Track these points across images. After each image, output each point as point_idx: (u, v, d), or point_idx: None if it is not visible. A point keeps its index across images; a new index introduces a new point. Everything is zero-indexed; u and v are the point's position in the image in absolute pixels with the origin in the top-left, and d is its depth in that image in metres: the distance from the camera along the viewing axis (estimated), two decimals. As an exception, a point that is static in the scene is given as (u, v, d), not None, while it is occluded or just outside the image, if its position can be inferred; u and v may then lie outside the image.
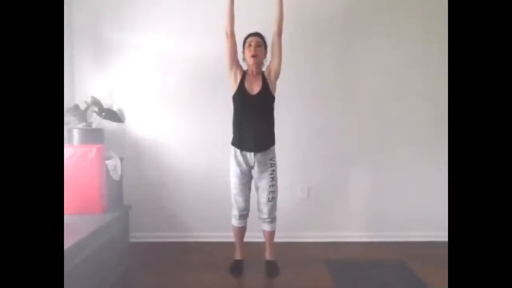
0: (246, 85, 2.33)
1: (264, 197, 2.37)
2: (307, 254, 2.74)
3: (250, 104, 2.32)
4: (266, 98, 2.34)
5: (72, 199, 2.23)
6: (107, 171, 2.49)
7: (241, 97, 2.32)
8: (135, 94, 2.97)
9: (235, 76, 2.35)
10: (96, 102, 2.70)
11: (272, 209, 2.39)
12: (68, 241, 1.74)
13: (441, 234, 2.87)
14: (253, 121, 2.32)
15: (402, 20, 2.97)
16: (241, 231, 2.48)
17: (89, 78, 2.95)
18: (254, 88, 2.33)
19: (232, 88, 2.36)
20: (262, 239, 2.51)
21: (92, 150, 2.32)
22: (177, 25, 2.92)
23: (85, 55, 2.95)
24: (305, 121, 2.99)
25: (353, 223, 3.05)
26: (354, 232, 3.04)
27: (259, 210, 2.42)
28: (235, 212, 2.42)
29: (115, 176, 2.59)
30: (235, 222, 2.45)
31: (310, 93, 2.97)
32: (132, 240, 2.82)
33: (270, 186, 2.36)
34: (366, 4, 2.95)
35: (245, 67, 2.40)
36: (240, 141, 2.35)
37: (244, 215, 2.42)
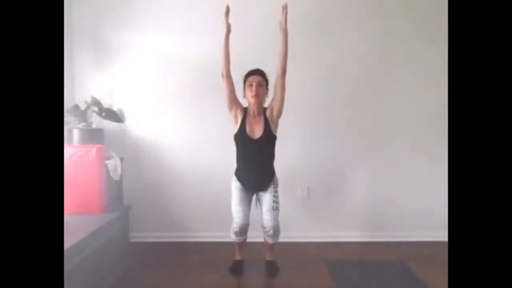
0: (247, 127, 2.30)
1: (266, 206, 2.32)
2: (307, 254, 2.74)
3: (251, 148, 2.30)
4: (268, 141, 2.32)
5: (72, 199, 2.23)
6: (107, 171, 2.49)
7: (242, 140, 2.31)
8: (135, 94, 2.97)
9: (236, 116, 2.32)
10: (96, 102, 2.70)
11: (275, 219, 2.30)
12: (68, 241, 1.74)
13: (441, 234, 2.87)
14: (255, 165, 2.32)
15: (402, 19, 2.97)
16: (242, 244, 2.46)
17: (89, 78, 2.95)
18: (256, 131, 2.30)
19: (233, 127, 2.34)
20: (262, 239, 2.51)
21: (92, 150, 2.33)
22: (177, 25, 2.92)
23: (85, 55, 2.95)
24: (305, 121, 2.99)
25: (353, 223, 3.05)
26: (354, 232, 3.04)
27: (262, 220, 2.33)
28: (234, 227, 2.30)
29: (115, 176, 2.59)
30: (234, 237, 2.37)
31: (310, 93, 2.97)
32: (132, 240, 2.82)
33: (273, 197, 2.34)
34: (367, 4, 2.95)
35: (245, 104, 2.37)
36: (243, 180, 2.36)
37: (244, 230, 2.29)
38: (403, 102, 3.00)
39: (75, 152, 2.32)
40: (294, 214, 2.99)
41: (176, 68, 2.95)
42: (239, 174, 2.38)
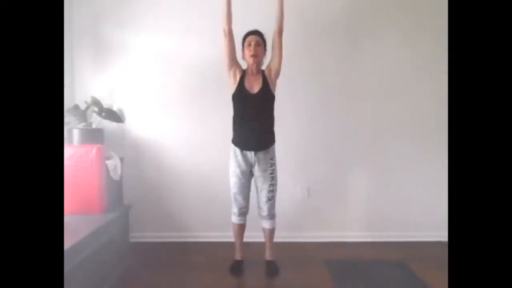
0: (246, 84, 2.32)
1: (263, 196, 2.37)
2: (307, 254, 2.74)
3: (250, 103, 2.31)
4: (266, 97, 2.33)
5: (72, 199, 2.23)
6: (107, 171, 2.49)
7: (240, 96, 2.32)
8: (135, 94, 2.97)
9: (235, 75, 2.34)
10: (96, 102, 2.70)
11: (272, 207, 2.40)
12: (68, 241, 1.74)
13: (441, 234, 2.87)
14: (254, 120, 2.32)
15: (403, 20, 2.97)
16: (241, 228, 2.48)
17: (89, 78, 2.95)
18: (254, 87, 2.32)
19: (232, 87, 2.35)
20: (262, 239, 2.51)
21: (92, 150, 2.32)
22: (177, 25, 2.92)
23: (85, 55, 2.95)
24: (306, 121, 2.99)
25: (353, 223, 3.05)
26: (354, 232, 3.04)
27: (259, 208, 2.43)
28: (234, 209, 2.43)
29: (115, 176, 2.59)
30: (234, 219, 2.46)
31: (311, 93, 2.97)
32: (132, 240, 2.82)
33: (270, 185, 2.36)
34: (368, 3, 2.95)
35: (244, 66, 2.39)
36: (241, 140, 2.35)
37: (243, 212, 2.43)
38: (404, 102, 3.00)
39: (75, 152, 2.32)
40: (294, 214, 2.99)
41: (176, 68, 2.95)
42: (236, 137, 2.37)
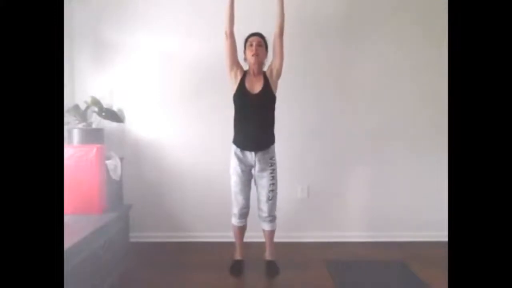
0: (247, 84, 2.33)
1: (264, 195, 2.37)
2: (307, 254, 2.74)
3: (251, 103, 2.31)
4: (267, 97, 2.33)
5: (72, 199, 2.23)
6: (107, 171, 2.49)
7: (241, 96, 2.32)
8: (135, 94, 2.97)
9: (236, 75, 2.35)
10: (96, 102, 2.70)
11: (272, 207, 2.39)
12: (68, 241, 1.74)
13: (441, 234, 2.87)
14: (254, 120, 2.32)
15: (402, 20, 2.97)
16: (241, 230, 2.49)
17: (89, 78, 2.95)
18: (255, 87, 2.33)
19: (233, 87, 2.36)
20: (262, 239, 2.51)
21: (92, 150, 2.32)
22: (177, 25, 2.92)
23: (85, 55, 2.95)
24: (305, 121, 2.99)
25: (353, 223, 3.05)
26: (354, 232, 3.04)
27: (259, 209, 2.43)
28: (235, 210, 2.42)
29: (115, 176, 2.59)
30: (235, 221, 2.45)
31: (311, 93, 2.97)
32: (132, 240, 2.82)
33: (270, 185, 2.36)
34: (367, 4, 2.95)
35: (245, 67, 2.40)
36: (241, 140, 2.35)
37: (244, 213, 2.42)
38: (403, 102, 3.00)
39: (75, 152, 2.32)
40: (294, 214, 2.99)
41: (176, 68, 2.95)
42: (237, 137, 2.38)
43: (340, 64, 2.98)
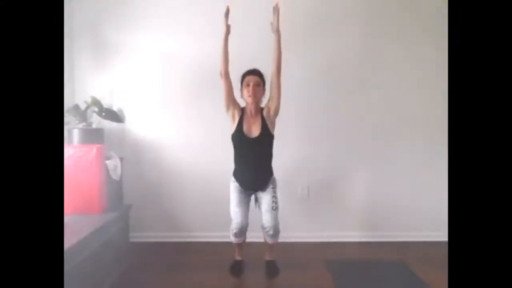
0: (245, 127, 2.30)
1: (267, 206, 2.32)
2: (307, 254, 2.74)
3: (249, 147, 2.30)
4: (266, 140, 2.32)
5: (72, 199, 2.23)
6: (107, 171, 2.49)
7: (240, 140, 2.31)
8: (135, 94, 2.97)
9: (233, 116, 2.33)
10: (96, 102, 2.70)
11: (275, 219, 2.30)
12: (68, 241, 1.74)
13: (441, 234, 2.87)
14: (252, 164, 2.32)
15: (403, 19, 2.97)
16: (241, 246, 2.47)
17: (89, 78, 2.95)
18: (253, 130, 2.31)
19: (231, 126, 2.35)
20: (262, 239, 2.51)
21: (92, 150, 2.33)
22: (177, 25, 2.92)
23: (85, 55, 2.95)
24: (305, 121, 2.99)
25: (353, 223, 3.05)
26: (354, 232, 3.04)
27: (262, 220, 2.33)
28: (233, 228, 2.30)
29: (115, 176, 2.59)
30: (233, 238, 2.37)
31: (310, 93, 2.97)
32: (132, 240, 2.82)
33: (272, 197, 2.34)
34: (368, 3, 2.95)
35: (242, 104, 2.38)
36: (240, 179, 2.36)
37: (243, 231, 2.31)
38: (403, 102, 3.00)
39: (75, 152, 2.32)
40: (294, 214, 2.99)
41: (176, 68, 2.95)
42: (237, 174, 2.38)
43: (340, 64, 2.97)
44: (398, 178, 3.04)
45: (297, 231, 3.00)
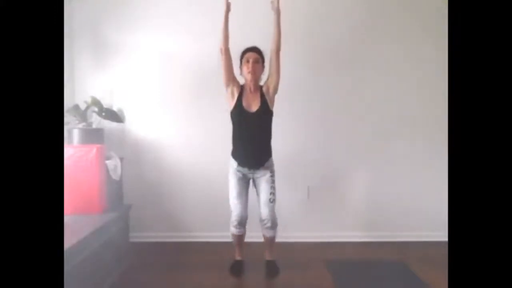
0: (244, 102, 2.31)
1: (264, 198, 2.35)
2: (307, 254, 2.74)
3: (248, 122, 2.30)
4: (265, 115, 2.33)
5: (72, 199, 2.23)
6: (107, 171, 2.49)
7: (239, 115, 2.31)
8: (135, 94, 2.97)
9: (232, 92, 2.34)
10: (96, 102, 2.70)
11: (273, 210, 2.34)
12: (68, 241, 1.74)
13: (441, 234, 2.87)
14: (251, 139, 2.32)
15: (403, 19, 2.97)
16: (240, 238, 2.46)
17: (89, 78, 2.95)
18: (252, 105, 2.31)
19: (230, 104, 2.35)
20: (262, 239, 2.51)
21: (92, 150, 2.33)
22: (177, 25, 2.92)
23: (85, 55, 2.95)
24: (305, 120, 2.99)
25: (353, 223, 3.05)
26: (354, 232, 3.04)
27: (260, 213, 2.37)
28: (233, 219, 2.34)
29: (115, 176, 2.59)
30: (234, 230, 2.39)
31: (311, 93, 2.97)
32: (132, 240, 2.82)
33: (270, 188, 2.34)
34: (367, 4, 2.95)
35: (242, 81, 2.39)
36: (239, 156, 2.35)
37: (242, 222, 2.35)
38: (403, 102, 3.00)
39: (75, 152, 2.32)
40: (294, 214, 2.99)
41: (176, 68, 2.95)
42: (235, 153, 2.38)
43: (340, 64, 2.98)
44: (398, 178, 3.04)
45: (297, 231, 3.00)
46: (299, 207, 3.02)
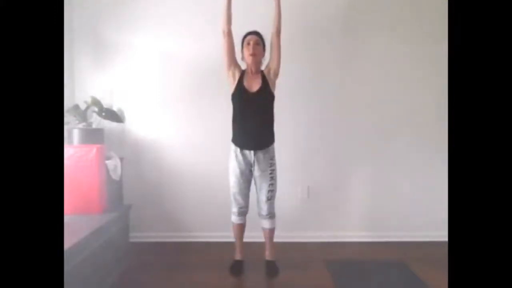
0: (245, 83, 2.33)
1: (263, 195, 2.38)
2: (307, 254, 2.74)
3: (249, 102, 2.32)
4: (266, 96, 2.34)
5: (72, 199, 2.23)
6: (107, 171, 2.49)
7: (240, 95, 2.32)
8: (135, 94, 2.97)
9: (234, 75, 2.35)
10: (96, 102, 2.70)
11: (271, 206, 2.40)
12: (68, 241, 1.74)
13: (441, 234, 2.87)
14: (253, 119, 2.32)
15: (403, 17, 2.97)
16: (241, 228, 2.48)
17: (89, 78, 2.95)
18: (254, 86, 2.33)
19: (231, 86, 2.36)
20: (262, 239, 2.51)
21: (92, 150, 2.33)
22: (177, 25, 2.92)
23: (85, 55, 2.95)
24: (305, 120, 2.99)
25: (353, 223, 3.05)
26: (354, 232, 3.04)
27: (259, 207, 2.43)
28: (234, 209, 2.43)
29: (115, 176, 2.59)
30: (234, 219, 2.46)
31: (311, 92, 2.97)
32: (132, 240, 2.82)
33: (269, 185, 2.36)
34: (367, 2, 2.95)
35: (243, 66, 2.40)
36: (240, 139, 2.35)
37: (243, 211, 2.43)
38: (404, 102, 3.00)
39: (75, 152, 2.32)
40: (294, 214, 2.99)
41: (176, 67, 2.95)
42: (236, 136, 2.38)
43: (340, 64, 2.97)
44: (398, 178, 3.04)
45: (297, 231, 3.00)
46: (299, 207, 3.02)
